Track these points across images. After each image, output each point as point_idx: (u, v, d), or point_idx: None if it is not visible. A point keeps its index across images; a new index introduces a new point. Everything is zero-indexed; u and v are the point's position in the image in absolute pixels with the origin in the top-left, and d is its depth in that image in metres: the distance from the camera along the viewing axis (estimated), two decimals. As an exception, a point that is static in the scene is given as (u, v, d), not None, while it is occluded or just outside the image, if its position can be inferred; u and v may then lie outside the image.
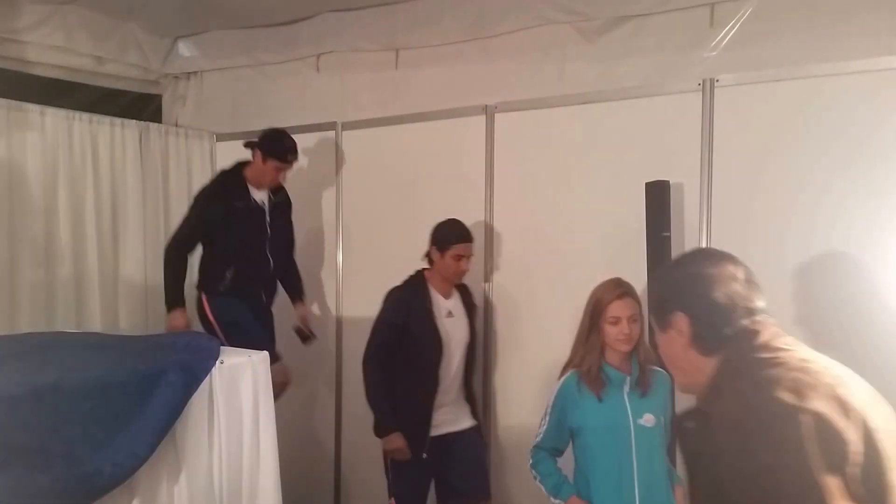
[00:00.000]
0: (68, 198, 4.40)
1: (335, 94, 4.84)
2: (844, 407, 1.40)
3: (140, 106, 5.32)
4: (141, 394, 2.22)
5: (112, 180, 4.64)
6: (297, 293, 4.45)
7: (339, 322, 4.73)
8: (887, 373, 2.86)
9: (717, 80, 3.40)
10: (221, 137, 5.20)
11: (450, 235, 3.61)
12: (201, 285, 4.14)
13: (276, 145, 4.09)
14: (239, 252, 4.11)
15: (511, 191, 4.02)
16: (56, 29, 4.65)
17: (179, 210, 4.89)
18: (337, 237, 4.72)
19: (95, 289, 4.54)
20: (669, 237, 3.32)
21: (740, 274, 1.63)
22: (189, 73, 5.46)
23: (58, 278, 4.31)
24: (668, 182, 3.35)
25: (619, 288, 2.86)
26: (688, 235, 3.47)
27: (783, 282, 3.15)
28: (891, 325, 3.00)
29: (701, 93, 3.43)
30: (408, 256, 4.23)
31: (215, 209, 4.04)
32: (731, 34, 3.59)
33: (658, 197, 3.35)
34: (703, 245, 3.38)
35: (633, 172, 3.52)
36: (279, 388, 3.98)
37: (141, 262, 4.80)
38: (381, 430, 3.54)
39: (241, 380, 2.48)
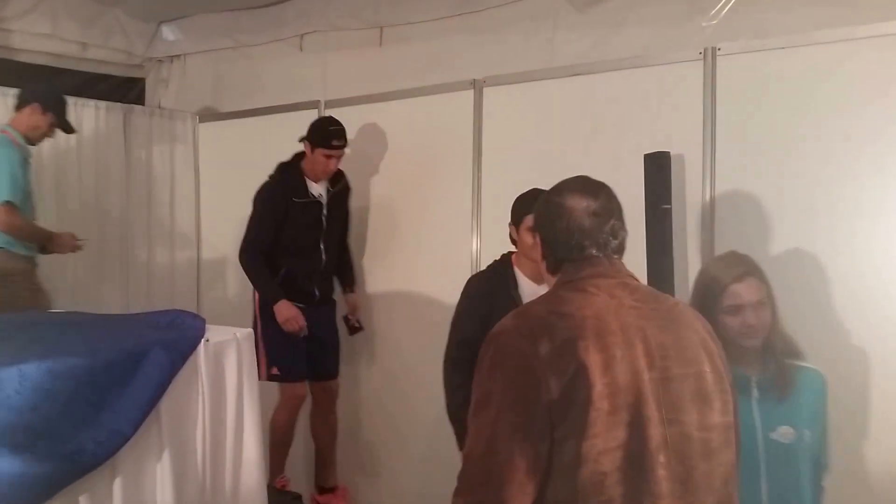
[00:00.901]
0: (53, 179, 4.39)
1: (319, 74, 4.78)
2: (566, 358, 1.52)
3: (124, 89, 5.31)
4: (125, 372, 2.17)
5: (97, 161, 4.64)
6: (348, 282, 4.36)
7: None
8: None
9: (719, 49, 3.27)
10: (204, 118, 5.18)
11: (524, 206, 3.04)
12: None
13: (320, 133, 3.96)
14: (292, 251, 4.05)
15: (501, 167, 3.92)
16: (43, 16, 4.67)
17: (163, 189, 4.92)
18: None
19: (80, 270, 4.53)
20: (670, 209, 3.20)
21: (594, 207, 1.71)
22: (172, 56, 5.43)
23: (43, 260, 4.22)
24: (667, 153, 3.21)
25: (739, 266, 2.31)
26: (690, 208, 3.36)
27: (792, 258, 3.07)
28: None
29: (702, 62, 3.30)
30: (395, 234, 4.30)
31: (276, 205, 3.99)
32: (732, 0, 3.45)
33: (658, 168, 3.21)
34: (707, 220, 3.30)
35: (630, 145, 3.37)
36: (297, 402, 4.04)
37: (126, 243, 4.80)
38: None
39: (226, 358, 2.43)
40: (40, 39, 4.70)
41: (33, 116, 3.84)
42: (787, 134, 3.14)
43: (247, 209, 4.14)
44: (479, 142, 4.00)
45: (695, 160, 3.33)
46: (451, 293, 3.28)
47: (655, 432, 1.54)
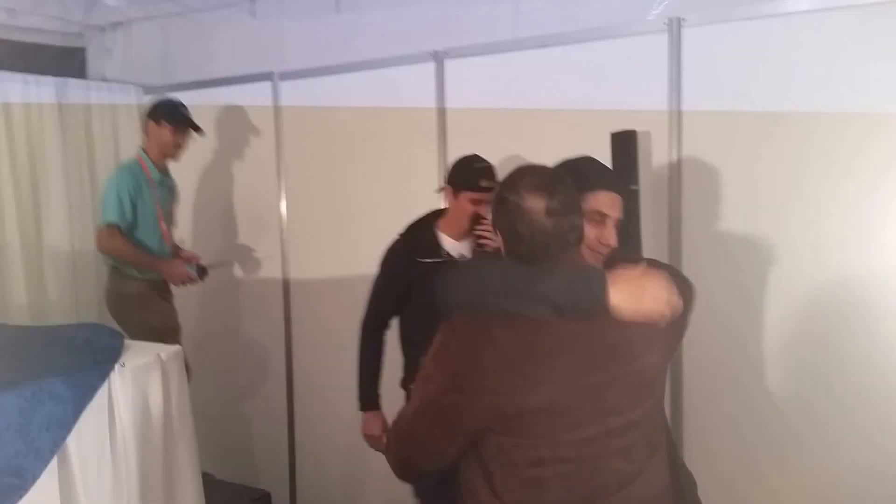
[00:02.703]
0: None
1: (272, 43, 4.45)
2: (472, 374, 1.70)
3: (62, 61, 4.88)
4: (23, 413, 1.87)
5: (28, 141, 4.25)
6: None
7: (286, 284, 4.45)
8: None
9: (684, 20, 3.14)
10: (150, 91, 4.81)
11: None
12: None
13: (464, 173, 3.04)
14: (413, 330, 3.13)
15: (465, 142, 3.66)
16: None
17: (105, 170, 4.56)
18: (279, 192, 4.40)
19: (18, 258, 4.19)
20: (638, 190, 3.08)
21: (554, 206, 1.73)
22: (115, 23, 5.01)
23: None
24: (635, 132, 3.08)
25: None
26: (657, 187, 3.24)
27: (759, 234, 3.03)
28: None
29: (667, 33, 3.16)
30: (356, 212, 4.07)
31: (399, 271, 3.12)
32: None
33: (625, 148, 3.08)
34: (674, 199, 3.21)
35: (596, 121, 3.23)
36: None
37: (66, 227, 4.43)
38: None
39: (148, 384, 2.13)
40: (-41, 7, 4.27)
41: (154, 133, 3.94)
42: (757, 108, 3.02)
43: (204, 187, 3.86)
44: (443, 116, 3.80)
45: (661, 136, 3.22)
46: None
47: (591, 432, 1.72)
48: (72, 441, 1.95)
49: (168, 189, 4.07)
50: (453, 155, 3.67)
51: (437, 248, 3.07)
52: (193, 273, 3.90)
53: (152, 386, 2.13)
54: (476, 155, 3.08)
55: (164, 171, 4.03)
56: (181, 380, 2.22)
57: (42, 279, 4.34)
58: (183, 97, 4.59)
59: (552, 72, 3.46)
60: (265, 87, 4.33)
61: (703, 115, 3.13)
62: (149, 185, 3.88)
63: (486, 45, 3.61)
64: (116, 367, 2.06)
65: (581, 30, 3.36)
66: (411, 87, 3.86)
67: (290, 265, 4.42)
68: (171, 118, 3.93)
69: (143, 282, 3.87)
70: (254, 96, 4.39)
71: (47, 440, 1.88)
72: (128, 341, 2.22)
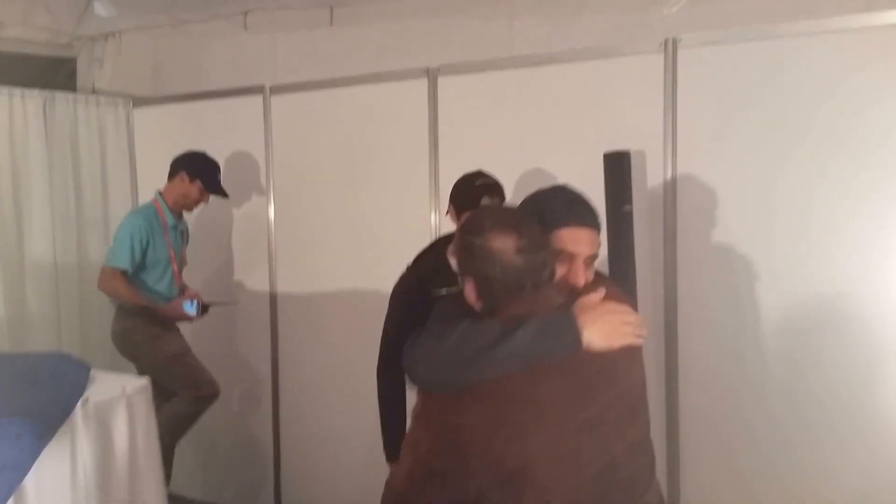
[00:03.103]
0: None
1: (265, 56, 4.41)
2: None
3: (52, 71, 4.78)
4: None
5: (12, 155, 4.17)
6: None
7: (273, 299, 4.34)
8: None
9: (680, 40, 3.14)
10: (139, 103, 4.72)
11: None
12: None
13: (465, 191, 2.83)
14: None
15: (457, 161, 3.60)
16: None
17: (91, 184, 4.52)
18: (268, 207, 4.30)
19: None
20: (631, 211, 3.01)
21: (523, 244, 1.69)
22: (106, 33, 4.92)
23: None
24: (628, 153, 3.02)
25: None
26: (652, 207, 3.22)
27: (754, 251, 3.04)
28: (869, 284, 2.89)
29: (663, 53, 3.15)
30: (345, 229, 4.00)
31: (415, 308, 2.66)
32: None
33: (618, 169, 3.02)
34: (669, 218, 3.19)
35: (589, 140, 3.26)
36: None
37: (49, 242, 4.35)
38: None
39: (113, 420, 2.04)
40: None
41: (182, 186, 3.91)
42: (752, 129, 3.04)
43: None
44: (435, 133, 3.72)
45: (656, 155, 3.21)
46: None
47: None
48: (30, 482, 1.85)
49: (180, 232, 4.03)
50: (445, 172, 3.67)
51: (451, 275, 2.35)
52: (192, 312, 3.85)
53: (117, 421, 2.04)
54: (479, 171, 2.86)
55: (179, 216, 4.00)
56: (148, 413, 2.13)
57: (23, 292, 4.26)
58: (173, 110, 4.54)
59: (546, 90, 3.40)
60: (256, 100, 4.24)
61: (698, 133, 3.11)
62: (162, 230, 3.88)
63: (480, 62, 3.56)
64: (80, 403, 1.96)
65: (576, 49, 3.32)
66: (403, 103, 3.78)
67: (277, 278, 4.32)
68: (205, 182, 3.91)
69: (145, 317, 3.84)
70: (245, 110, 4.29)
71: (1, 484, 1.78)
72: (93, 372, 2.12)
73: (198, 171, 3.91)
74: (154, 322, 3.84)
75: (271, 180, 4.25)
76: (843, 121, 2.87)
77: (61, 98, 4.40)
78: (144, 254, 3.80)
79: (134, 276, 3.80)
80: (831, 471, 2.92)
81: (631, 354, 1.74)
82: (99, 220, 4.62)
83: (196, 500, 4.54)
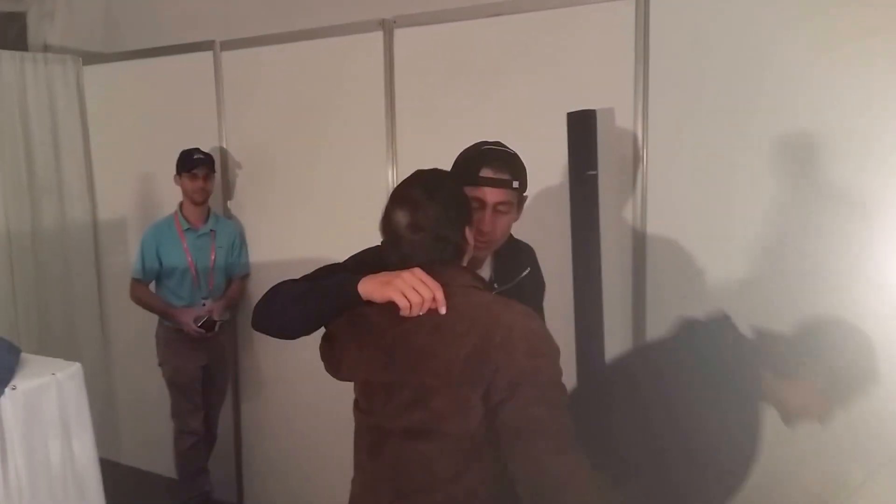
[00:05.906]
0: None
1: (215, 9, 4.20)
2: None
3: (1, 27, 4.61)
4: None
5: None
6: None
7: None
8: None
9: None
10: (89, 60, 4.55)
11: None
12: None
13: (465, 163, 2.18)
14: None
15: (415, 119, 3.52)
16: None
17: (43, 148, 4.39)
18: (223, 170, 4.16)
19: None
20: (596, 176, 2.87)
21: (415, 220, 1.67)
22: (57, -12, 4.75)
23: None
24: (593, 112, 2.86)
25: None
26: (621, 170, 3.03)
27: (728, 218, 2.85)
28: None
29: (634, 2, 2.94)
30: (302, 191, 3.90)
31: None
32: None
33: (582, 130, 2.86)
34: (640, 182, 3.01)
35: (555, 96, 3.07)
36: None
37: (0, 210, 4.22)
38: None
39: (42, 406, 1.94)
40: None
41: (179, 186, 3.95)
42: (729, 83, 2.81)
43: (145, 160, 3.85)
44: (392, 89, 3.57)
45: (626, 114, 3.01)
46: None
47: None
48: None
49: (205, 237, 4.00)
50: (402, 130, 3.56)
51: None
52: (197, 326, 3.85)
53: (47, 407, 1.94)
54: (493, 142, 2.16)
55: (201, 220, 3.99)
56: (79, 399, 2.02)
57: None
58: (124, 67, 4.40)
59: (508, 42, 3.23)
60: (207, 56, 4.08)
61: (669, 90, 2.92)
62: (178, 237, 3.93)
63: (438, 12, 3.39)
64: (7, 390, 1.87)
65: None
66: (359, 56, 3.62)
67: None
68: (180, 167, 3.91)
69: (169, 327, 3.99)
70: (196, 66, 4.13)
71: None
72: (24, 355, 2.02)
73: (177, 166, 3.91)
74: (178, 337, 3.94)
75: (223, 138, 4.12)
76: (833, 79, 2.63)
77: (7, 56, 4.23)
78: (161, 262, 3.93)
79: (159, 283, 3.98)
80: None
81: (444, 339, 1.62)
82: (53, 186, 4.48)
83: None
